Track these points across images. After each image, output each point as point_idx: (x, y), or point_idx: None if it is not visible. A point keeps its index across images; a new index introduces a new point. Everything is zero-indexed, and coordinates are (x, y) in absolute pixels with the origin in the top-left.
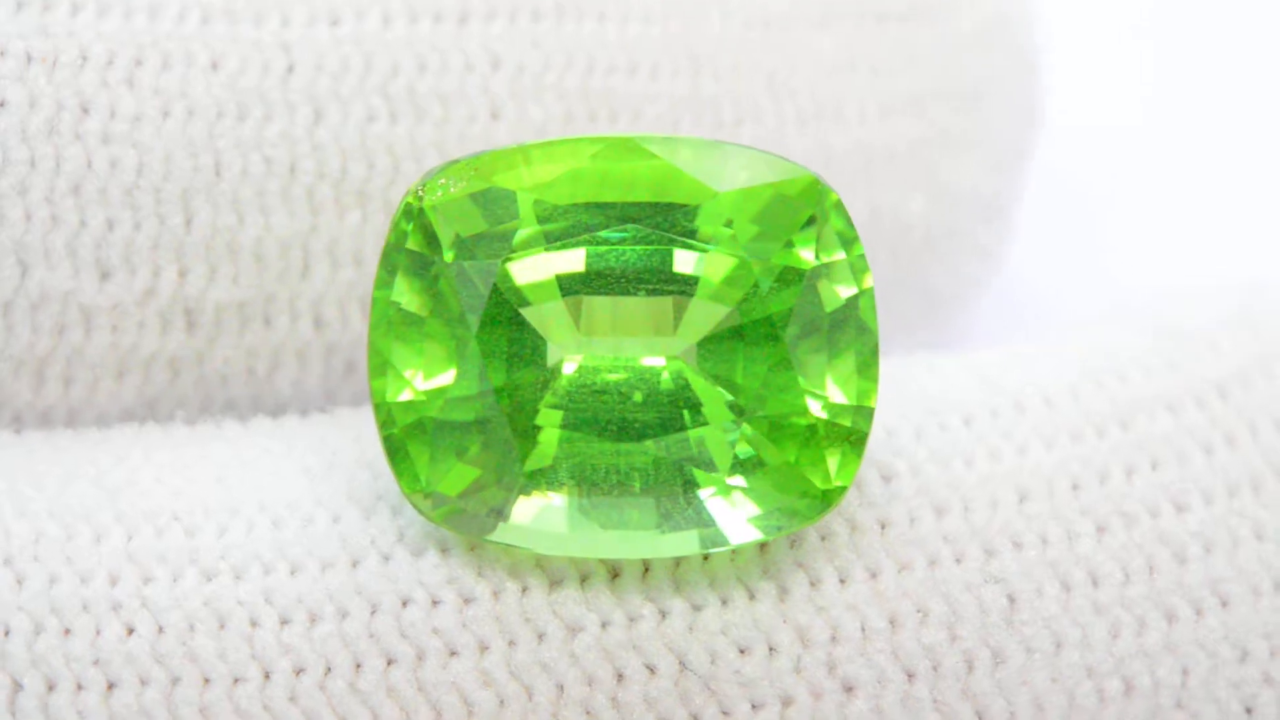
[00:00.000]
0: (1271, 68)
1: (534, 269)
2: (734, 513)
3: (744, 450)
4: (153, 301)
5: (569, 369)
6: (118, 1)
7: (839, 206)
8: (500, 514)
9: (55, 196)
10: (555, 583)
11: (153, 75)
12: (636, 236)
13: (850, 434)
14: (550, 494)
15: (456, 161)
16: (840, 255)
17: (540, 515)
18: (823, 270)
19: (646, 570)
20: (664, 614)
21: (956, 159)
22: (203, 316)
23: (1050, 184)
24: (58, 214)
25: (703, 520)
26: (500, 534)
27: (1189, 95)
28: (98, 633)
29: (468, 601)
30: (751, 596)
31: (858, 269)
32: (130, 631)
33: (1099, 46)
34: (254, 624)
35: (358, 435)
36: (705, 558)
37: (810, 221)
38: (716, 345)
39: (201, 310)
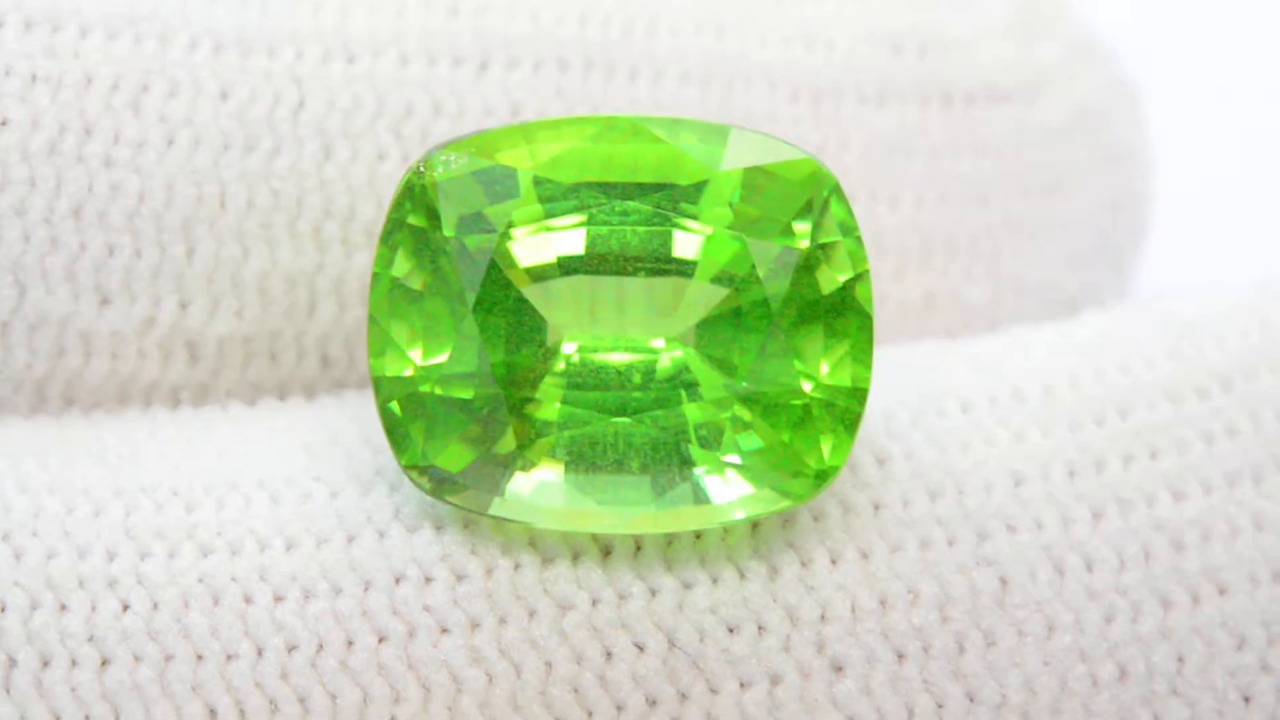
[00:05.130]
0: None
1: (534, 248)
2: (728, 490)
3: (739, 430)
4: (152, 331)
5: (568, 348)
6: (127, 26)
7: (839, 191)
8: (496, 489)
9: (55, 218)
10: (547, 560)
11: (159, 101)
12: (637, 217)
13: (844, 415)
14: (547, 469)
15: (459, 138)
16: (838, 239)
17: (536, 490)
18: (821, 254)
19: (638, 548)
20: (654, 592)
21: (1023, 250)
22: (205, 349)
23: None
24: (57, 236)
25: (697, 497)
26: (496, 508)
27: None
28: (93, 608)
29: (460, 579)
30: (742, 576)
31: (855, 253)
32: (125, 608)
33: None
34: (248, 600)
35: (359, 415)
36: (697, 536)
37: (809, 205)
38: (714, 327)
39: (204, 343)
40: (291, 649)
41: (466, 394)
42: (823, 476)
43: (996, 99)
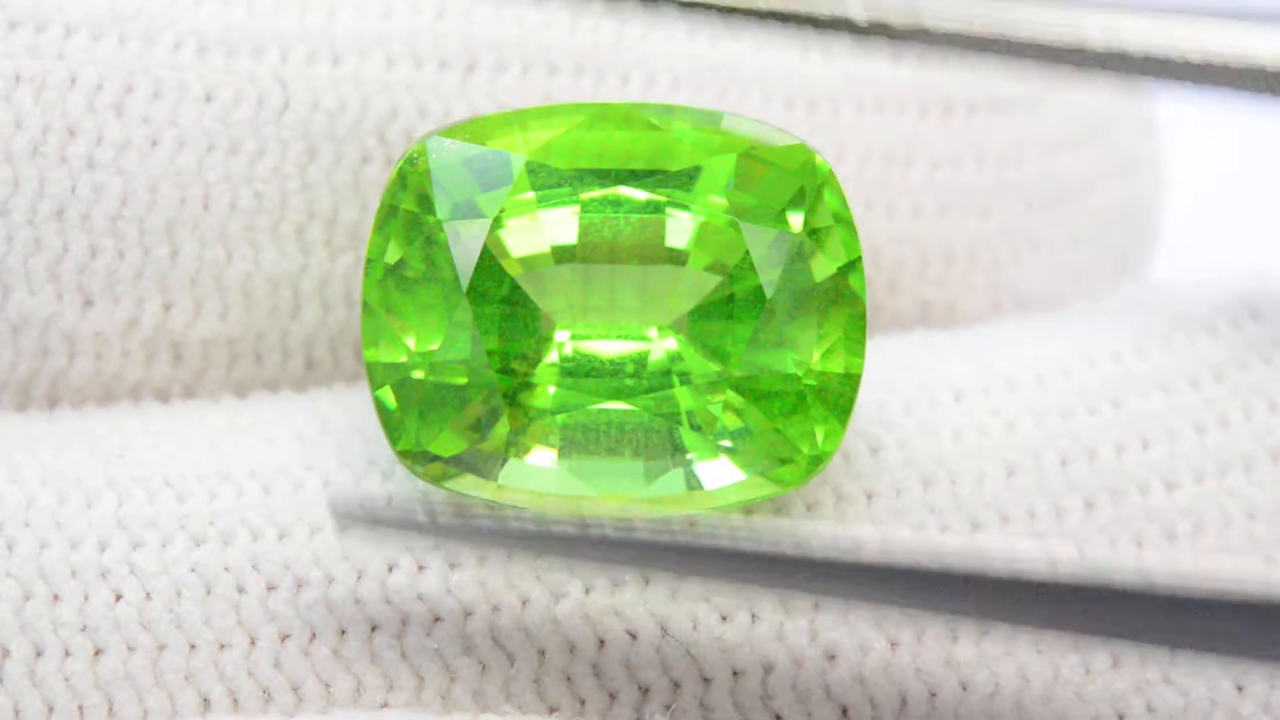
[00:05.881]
0: None
1: (528, 234)
2: (721, 476)
3: (732, 417)
4: (136, 332)
5: (561, 337)
6: (112, 26)
7: (832, 178)
8: (490, 474)
9: (38, 219)
10: None
11: (143, 103)
12: (630, 205)
13: (837, 402)
14: (540, 455)
15: (452, 125)
16: (831, 226)
17: (530, 476)
18: (813, 240)
19: None
20: (647, 580)
21: (1024, 261)
22: (189, 350)
23: None
24: (40, 237)
25: (690, 483)
26: (490, 493)
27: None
28: (86, 598)
29: (453, 566)
30: None
31: (848, 239)
32: (118, 597)
33: None
34: (241, 589)
35: (350, 405)
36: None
37: (803, 193)
38: (707, 314)
39: (187, 344)
40: (285, 638)
41: (460, 380)
42: (815, 463)
43: (998, 108)
